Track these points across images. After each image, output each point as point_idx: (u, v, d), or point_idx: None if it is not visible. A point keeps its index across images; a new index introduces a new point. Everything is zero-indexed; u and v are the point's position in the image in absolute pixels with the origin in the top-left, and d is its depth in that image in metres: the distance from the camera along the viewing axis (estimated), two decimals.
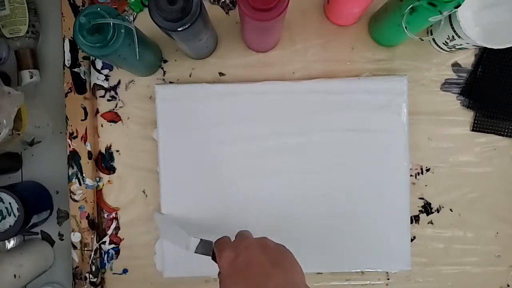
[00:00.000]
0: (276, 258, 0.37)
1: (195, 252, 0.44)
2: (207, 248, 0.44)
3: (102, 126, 0.55)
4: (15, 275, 0.50)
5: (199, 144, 0.53)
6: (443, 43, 0.51)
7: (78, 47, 0.50)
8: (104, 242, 0.55)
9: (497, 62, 0.53)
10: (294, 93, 0.52)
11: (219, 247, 0.40)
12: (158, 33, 0.43)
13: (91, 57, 0.55)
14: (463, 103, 0.54)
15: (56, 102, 0.56)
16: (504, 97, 0.53)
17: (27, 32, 0.55)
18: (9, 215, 0.50)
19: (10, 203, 0.50)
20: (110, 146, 0.55)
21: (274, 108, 0.52)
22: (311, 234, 0.53)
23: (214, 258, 0.42)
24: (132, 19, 0.55)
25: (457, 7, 0.39)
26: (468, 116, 0.54)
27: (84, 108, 0.54)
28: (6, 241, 0.57)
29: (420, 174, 0.54)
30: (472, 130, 0.54)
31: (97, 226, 0.55)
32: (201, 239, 0.44)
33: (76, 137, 0.53)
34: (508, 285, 0.54)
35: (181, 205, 0.53)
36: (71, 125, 0.54)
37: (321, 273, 0.54)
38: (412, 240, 0.53)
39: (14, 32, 0.54)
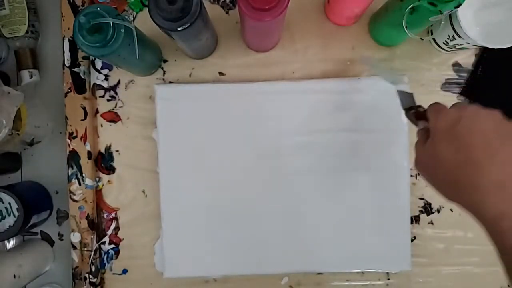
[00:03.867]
0: (505, 137, 0.32)
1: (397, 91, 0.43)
2: (406, 98, 0.42)
3: (101, 126, 0.55)
4: (14, 275, 0.50)
5: (199, 144, 0.53)
6: (444, 43, 0.51)
7: (78, 47, 0.50)
8: (103, 242, 0.55)
9: (498, 62, 0.53)
10: (294, 93, 0.52)
11: (437, 105, 0.36)
12: (158, 33, 0.43)
13: (91, 57, 0.55)
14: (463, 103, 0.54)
15: (56, 102, 0.56)
16: (505, 97, 0.53)
17: (27, 32, 0.55)
18: (9, 215, 0.50)
19: (9, 203, 0.50)
20: (110, 146, 0.55)
21: (274, 108, 0.52)
22: (311, 234, 0.52)
23: (411, 114, 0.40)
24: (132, 19, 0.55)
25: (457, 6, 0.39)
26: None
27: (84, 108, 0.54)
28: (6, 241, 0.57)
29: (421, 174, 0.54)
30: None
31: (96, 226, 0.55)
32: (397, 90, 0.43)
33: (75, 137, 0.53)
34: (509, 285, 0.54)
35: (181, 205, 0.53)
36: (70, 125, 0.53)
37: (322, 273, 0.54)
38: (412, 240, 0.53)
39: (13, 32, 0.54)
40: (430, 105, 0.38)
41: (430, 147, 0.34)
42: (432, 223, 0.54)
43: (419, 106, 0.41)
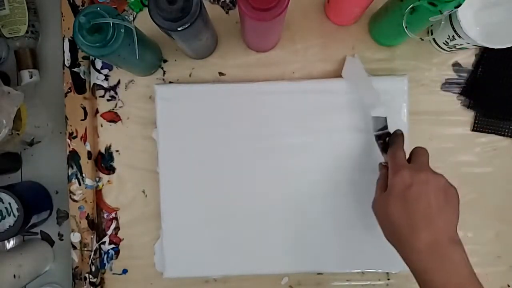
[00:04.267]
0: (443, 205, 0.39)
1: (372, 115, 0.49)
2: (379, 123, 0.48)
3: (101, 126, 0.55)
4: (14, 275, 0.50)
5: (199, 144, 0.53)
6: (444, 43, 0.51)
7: (78, 47, 0.50)
8: (103, 242, 0.55)
9: (498, 62, 0.53)
10: (294, 93, 0.52)
11: (398, 160, 0.42)
12: (158, 33, 0.43)
13: (91, 57, 0.55)
14: (463, 103, 0.54)
15: (56, 102, 0.56)
16: (505, 97, 0.53)
17: (27, 32, 0.55)
18: (9, 215, 0.50)
19: (9, 203, 0.50)
20: (110, 146, 0.55)
21: (274, 108, 0.52)
22: (311, 234, 0.52)
23: (379, 144, 0.47)
24: (132, 19, 0.55)
25: (457, 6, 0.39)
26: (468, 116, 0.54)
27: (84, 108, 0.54)
28: (6, 241, 0.57)
29: None
30: (473, 130, 0.54)
31: (96, 226, 0.55)
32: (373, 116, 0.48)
33: (75, 137, 0.53)
34: (509, 285, 0.54)
35: (181, 205, 0.53)
36: (70, 125, 0.53)
37: (322, 273, 0.54)
38: None
39: (13, 32, 0.54)
40: (390, 154, 0.44)
41: (385, 200, 0.41)
42: None
43: (388, 133, 0.48)
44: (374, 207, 0.44)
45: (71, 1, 0.53)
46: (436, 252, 0.37)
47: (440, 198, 0.39)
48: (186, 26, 0.40)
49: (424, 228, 0.38)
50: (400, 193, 0.40)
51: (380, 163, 0.47)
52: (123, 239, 0.55)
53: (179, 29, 0.40)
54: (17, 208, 0.50)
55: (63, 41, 0.53)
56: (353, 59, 0.52)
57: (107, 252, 0.55)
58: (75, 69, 0.53)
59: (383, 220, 0.42)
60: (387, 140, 0.47)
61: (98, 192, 0.55)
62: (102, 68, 0.55)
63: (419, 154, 0.43)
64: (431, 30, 0.53)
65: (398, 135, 0.46)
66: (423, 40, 0.44)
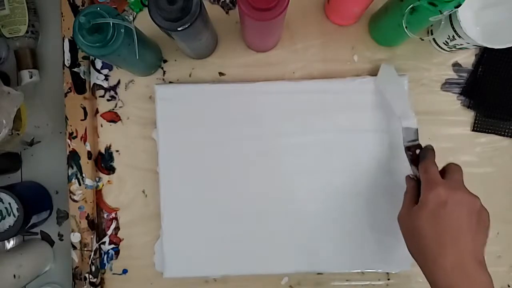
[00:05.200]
0: (475, 227, 0.39)
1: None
2: (409, 135, 0.47)
3: (101, 126, 0.55)
4: (14, 275, 0.50)
5: (199, 144, 0.53)
6: (444, 43, 0.51)
7: (78, 47, 0.50)
8: (103, 243, 0.55)
9: (498, 62, 0.53)
10: (294, 93, 0.52)
11: (432, 176, 0.42)
12: (158, 33, 0.43)
13: (91, 57, 0.55)
14: (463, 103, 0.54)
15: (56, 102, 0.56)
16: (505, 97, 0.53)
17: (27, 32, 0.55)
18: (9, 215, 0.50)
19: (9, 203, 0.50)
20: (110, 146, 0.55)
21: (274, 108, 0.52)
22: (311, 234, 0.52)
23: (412, 158, 0.46)
24: (132, 19, 0.55)
25: (457, 6, 0.39)
26: (468, 116, 0.54)
27: (84, 108, 0.54)
28: (6, 241, 0.57)
29: None
30: (473, 130, 0.54)
31: (96, 226, 0.55)
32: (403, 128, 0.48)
33: (75, 137, 0.53)
34: (509, 285, 0.54)
35: (181, 205, 0.53)
36: (70, 125, 0.53)
37: (322, 273, 0.54)
38: None
39: (13, 32, 0.54)
40: (423, 168, 0.43)
41: (415, 214, 0.41)
42: None
43: (418, 145, 0.47)
44: (401, 220, 0.44)
45: (71, 1, 0.53)
46: (461, 272, 0.38)
47: (473, 220, 0.39)
48: (186, 26, 0.40)
49: (452, 247, 0.38)
50: (433, 210, 0.40)
51: (408, 176, 0.47)
52: (123, 239, 0.55)
53: (179, 29, 0.40)
54: (17, 208, 0.50)
55: (63, 41, 0.53)
56: (388, 67, 0.51)
57: (107, 252, 0.55)
58: (75, 69, 0.53)
59: (409, 233, 0.42)
60: (417, 152, 0.47)
61: (98, 192, 0.55)
62: (102, 68, 0.55)
63: (453, 171, 0.43)
64: (431, 30, 0.53)
65: (430, 150, 0.45)
66: (423, 40, 0.44)
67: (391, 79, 0.51)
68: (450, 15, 0.46)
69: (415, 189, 0.44)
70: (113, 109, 0.55)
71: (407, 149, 0.47)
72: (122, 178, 0.55)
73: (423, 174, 0.43)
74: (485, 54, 0.53)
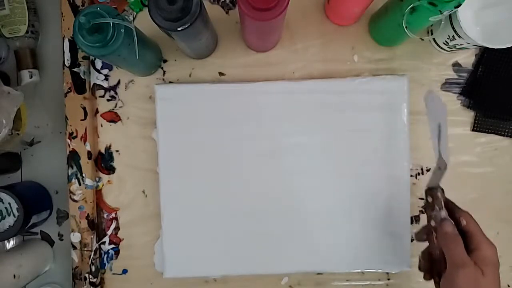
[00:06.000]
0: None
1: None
2: (435, 179, 0.44)
3: (101, 126, 0.55)
4: (14, 275, 0.50)
5: (199, 144, 0.53)
6: (444, 43, 0.51)
7: (78, 47, 0.50)
8: (103, 242, 0.55)
9: (498, 62, 0.53)
10: (294, 93, 0.52)
11: (457, 251, 0.42)
12: (158, 33, 0.43)
13: (91, 57, 0.55)
14: (463, 103, 0.54)
15: (56, 102, 0.56)
16: (505, 97, 0.53)
17: (27, 32, 0.55)
18: (9, 215, 0.50)
19: (9, 203, 0.50)
20: (110, 146, 0.55)
21: (274, 108, 0.52)
22: (311, 234, 0.52)
23: (430, 203, 0.44)
24: (132, 18, 0.55)
25: (457, 6, 0.39)
26: (468, 116, 0.54)
27: (84, 108, 0.54)
28: (6, 241, 0.57)
29: (421, 174, 0.54)
30: (473, 130, 0.54)
31: (96, 226, 0.55)
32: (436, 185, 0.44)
33: (75, 137, 0.53)
34: (509, 285, 0.54)
35: (181, 205, 0.53)
36: (70, 125, 0.53)
37: (322, 273, 0.54)
38: (412, 240, 0.53)
39: (13, 32, 0.54)
40: (449, 250, 0.42)
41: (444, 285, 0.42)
42: None
43: (439, 189, 0.45)
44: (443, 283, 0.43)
45: (71, 1, 0.53)
46: None
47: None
48: (186, 26, 0.40)
49: None
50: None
51: (423, 228, 0.46)
52: (123, 239, 0.55)
53: (179, 29, 0.40)
54: (17, 208, 0.50)
55: (63, 41, 0.53)
56: (435, 98, 0.46)
57: (107, 252, 0.55)
58: (75, 69, 0.53)
59: None
60: (438, 194, 0.44)
61: (98, 192, 0.55)
62: (102, 68, 0.55)
63: (484, 249, 0.43)
64: (431, 30, 0.53)
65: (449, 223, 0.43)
66: (423, 40, 0.44)
67: (439, 114, 0.46)
68: (450, 15, 0.46)
69: (435, 245, 0.44)
70: (113, 109, 0.55)
71: (429, 190, 0.45)
72: (122, 178, 0.55)
73: (450, 256, 0.42)
74: (485, 54, 0.53)
